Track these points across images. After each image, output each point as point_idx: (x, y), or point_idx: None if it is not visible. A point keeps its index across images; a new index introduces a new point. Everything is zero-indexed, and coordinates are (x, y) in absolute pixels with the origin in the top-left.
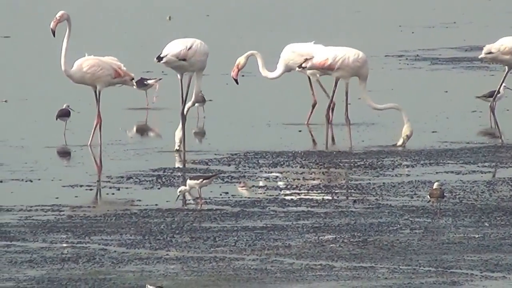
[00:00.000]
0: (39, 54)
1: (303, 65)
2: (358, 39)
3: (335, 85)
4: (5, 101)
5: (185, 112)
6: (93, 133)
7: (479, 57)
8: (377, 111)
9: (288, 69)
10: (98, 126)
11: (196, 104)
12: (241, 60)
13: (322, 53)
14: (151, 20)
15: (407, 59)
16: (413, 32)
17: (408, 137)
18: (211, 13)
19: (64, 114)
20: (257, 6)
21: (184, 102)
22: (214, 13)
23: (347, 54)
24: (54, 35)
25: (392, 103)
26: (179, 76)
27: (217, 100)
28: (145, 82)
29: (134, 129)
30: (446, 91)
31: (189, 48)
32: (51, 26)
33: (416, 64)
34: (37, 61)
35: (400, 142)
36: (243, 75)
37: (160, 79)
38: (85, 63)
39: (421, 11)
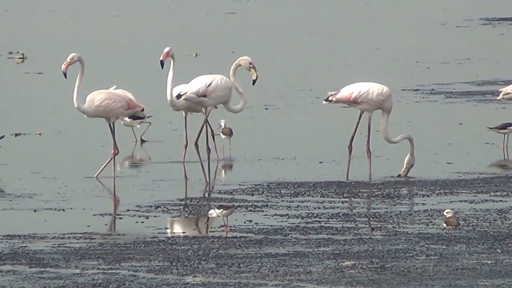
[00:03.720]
0: (71, 90)
1: (330, 98)
2: (377, 74)
3: (359, 118)
4: (39, 134)
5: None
6: (107, 163)
7: (497, 98)
8: (392, 144)
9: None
10: (113, 157)
11: (223, 137)
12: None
13: (348, 88)
14: (178, 56)
15: (423, 93)
16: (428, 68)
17: (409, 168)
18: (236, 50)
19: None
20: (281, 45)
21: (199, 135)
22: (239, 51)
23: (372, 88)
24: (65, 77)
25: (405, 134)
26: (203, 110)
27: (241, 132)
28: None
29: (161, 160)
30: (460, 124)
31: (209, 85)
32: (62, 68)
33: (431, 98)
34: (69, 96)
35: (402, 172)
36: (266, 108)
37: (150, 121)
38: (96, 97)
39: (437, 48)
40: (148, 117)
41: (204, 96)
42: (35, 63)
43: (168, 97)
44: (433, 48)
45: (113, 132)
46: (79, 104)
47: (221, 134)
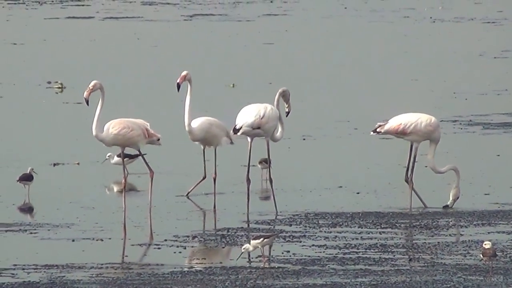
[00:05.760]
0: (108, 119)
1: (378, 129)
2: (416, 105)
3: (411, 149)
4: (78, 163)
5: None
6: (150, 188)
7: None
8: (439, 174)
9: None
10: (151, 178)
11: (260, 166)
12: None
13: (396, 118)
14: (216, 87)
15: (461, 123)
16: (466, 99)
17: (455, 200)
18: (274, 81)
19: (25, 178)
20: (319, 75)
21: (249, 166)
22: (277, 81)
23: (420, 119)
24: (87, 104)
25: (451, 165)
26: (249, 139)
27: (279, 163)
28: (129, 155)
29: (197, 191)
30: (498, 155)
31: (263, 117)
32: (84, 95)
33: (469, 129)
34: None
35: (450, 204)
36: (304, 139)
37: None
38: (114, 125)
39: (475, 79)
40: (143, 154)
41: (258, 128)
42: (74, 93)
43: (186, 127)
44: (471, 79)
45: (143, 156)
46: (98, 133)
47: (258, 164)
